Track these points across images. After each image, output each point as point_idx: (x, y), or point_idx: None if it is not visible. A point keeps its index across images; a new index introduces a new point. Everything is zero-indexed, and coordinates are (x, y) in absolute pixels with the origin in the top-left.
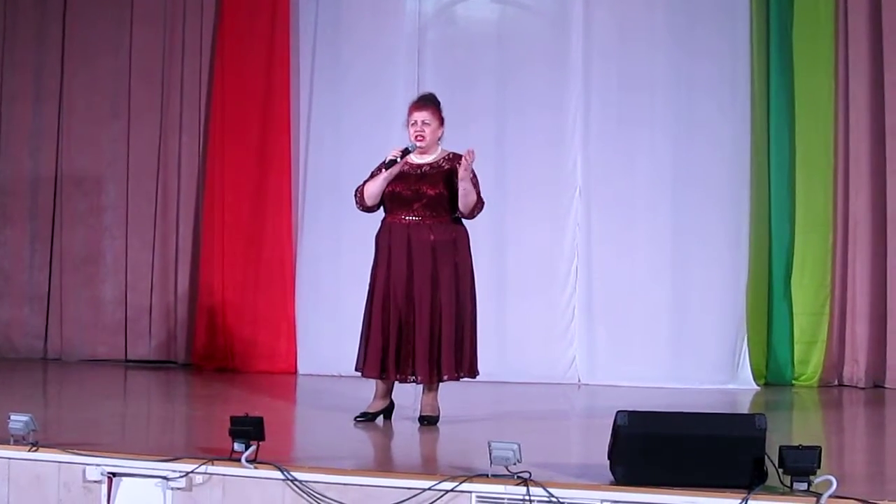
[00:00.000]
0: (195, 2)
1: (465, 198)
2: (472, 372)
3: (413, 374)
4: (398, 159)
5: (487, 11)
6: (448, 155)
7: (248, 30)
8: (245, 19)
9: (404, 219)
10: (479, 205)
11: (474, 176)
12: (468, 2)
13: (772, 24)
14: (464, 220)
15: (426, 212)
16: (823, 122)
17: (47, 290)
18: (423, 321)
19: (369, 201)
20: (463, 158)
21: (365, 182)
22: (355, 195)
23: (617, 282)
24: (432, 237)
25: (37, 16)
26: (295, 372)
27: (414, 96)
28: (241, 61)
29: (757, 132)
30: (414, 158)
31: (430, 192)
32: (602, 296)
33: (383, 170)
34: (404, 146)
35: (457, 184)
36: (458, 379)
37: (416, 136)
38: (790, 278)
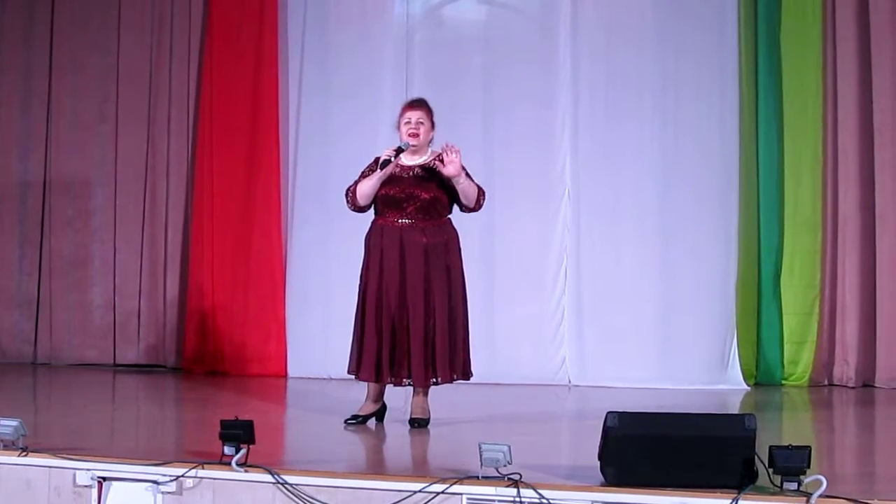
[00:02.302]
0: (183, 5)
1: (464, 193)
2: (466, 374)
3: (408, 376)
4: (392, 158)
5: (475, 13)
6: (438, 156)
7: (236, 32)
8: (233, 22)
9: (397, 221)
10: (481, 193)
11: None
12: (456, 3)
13: (759, 24)
14: (453, 223)
15: (419, 215)
16: (812, 121)
17: (36, 294)
18: (418, 324)
19: (362, 201)
20: (444, 156)
21: (356, 182)
22: (346, 195)
23: (607, 283)
24: (425, 240)
25: (25, 20)
26: (285, 375)
27: (404, 98)
28: (229, 64)
29: (745, 132)
30: (405, 161)
31: (425, 195)
32: (592, 297)
33: (378, 169)
34: (397, 145)
35: (448, 183)
36: (451, 381)
37: (410, 134)
38: (779, 278)
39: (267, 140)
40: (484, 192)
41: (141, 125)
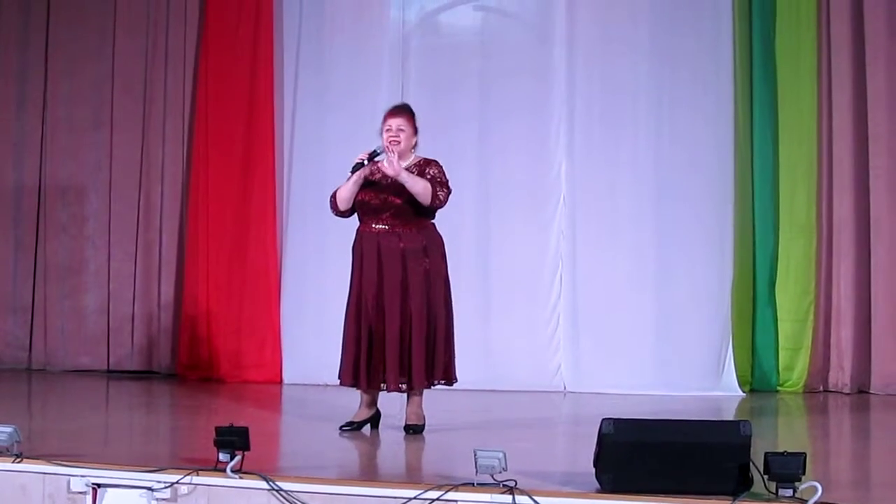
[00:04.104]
0: (179, 10)
1: (413, 191)
2: (448, 379)
3: (384, 381)
4: (365, 162)
5: (471, 19)
6: (419, 161)
7: (231, 38)
8: (229, 27)
9: (374, 227)
10: (438, 189)
11: (438, 170)
12: (452, 10)
13: (754, 32)
14: (437, 228)
15: (395, 220)
16: (807, 128)
17: (31, 300)
18: (393, 329)
19: (342, 206)
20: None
21: (339, 187)
22: (330, 200)
23: (602, 289)
24: (402, 245)
25: (20, 25)
26: (280, 381)
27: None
28: (224, 69)
29: (740, 139)
30: (387, 167)
31: (397, 200)
32: (587, 303)
33: (350, 173)
34: (371, 149)
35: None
36: (429, 387)
37: (391, 141)
38: (774, 284)
39: (262, 146)
40: (444, 188)
41: (136, 131)
